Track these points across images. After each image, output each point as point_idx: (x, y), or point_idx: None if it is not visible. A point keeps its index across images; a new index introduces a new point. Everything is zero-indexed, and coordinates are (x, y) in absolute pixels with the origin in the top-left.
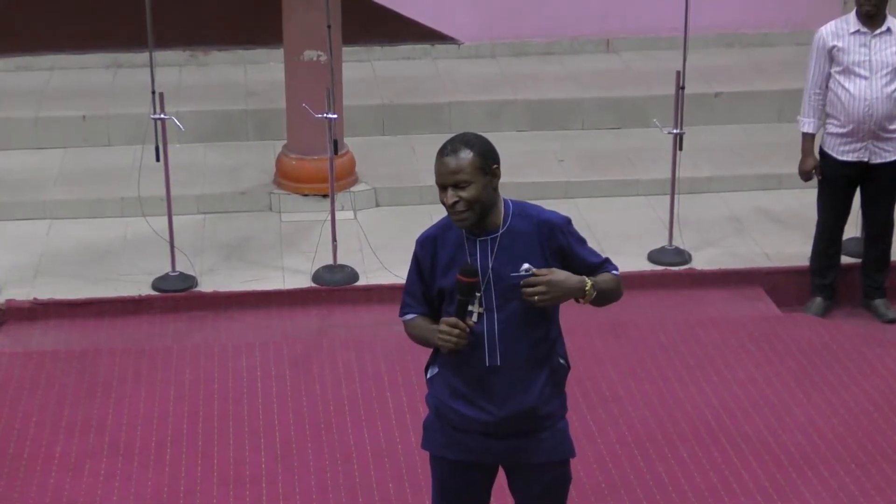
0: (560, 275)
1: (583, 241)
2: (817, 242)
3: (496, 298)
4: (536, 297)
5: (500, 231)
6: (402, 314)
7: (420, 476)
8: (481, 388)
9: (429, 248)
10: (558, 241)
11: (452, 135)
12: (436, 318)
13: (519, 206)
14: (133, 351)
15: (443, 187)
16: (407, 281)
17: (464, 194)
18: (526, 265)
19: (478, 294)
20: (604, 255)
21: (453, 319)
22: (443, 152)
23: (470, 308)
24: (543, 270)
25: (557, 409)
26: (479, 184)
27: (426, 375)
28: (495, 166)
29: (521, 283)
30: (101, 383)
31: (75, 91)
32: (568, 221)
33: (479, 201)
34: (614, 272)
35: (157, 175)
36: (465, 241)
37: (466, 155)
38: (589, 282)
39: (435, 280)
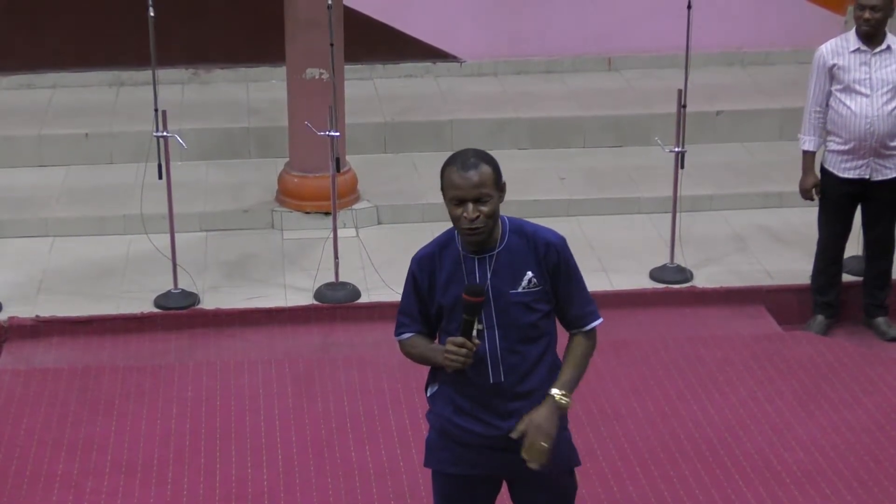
0: (538, 416)
1: (576, 272)
2: (818, 260)
3: (496, 315)
4: (543, 460)
5: (498, 249)
6: (398, 334)
7: (422, 493)
8: (485, 404)
9: (426, 267)
10: (554, 260)
11: (454, 151)
12: (433, 337)
13: (515, 223)
14: (135, 368)
15: (461, 202)
16: (402, 300)
17: (485, 209)
18: (529, 274)
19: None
20: (591, 306)
21: (460, 339)
22: (464, 166)
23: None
24: (521, 426)
25: (560, 418)
26: (495, 198)
27: (427, 393)
28: (504, 182)
29: (522, 453)
30: (104, 401)
31: (78, 109)
32: (564, 241)
33: (494, 216)
34: (592, 325)
35: (159, 193)
36: (463, 258)
37: (486, 169)
38: (558, 395)
39: (434, 298)
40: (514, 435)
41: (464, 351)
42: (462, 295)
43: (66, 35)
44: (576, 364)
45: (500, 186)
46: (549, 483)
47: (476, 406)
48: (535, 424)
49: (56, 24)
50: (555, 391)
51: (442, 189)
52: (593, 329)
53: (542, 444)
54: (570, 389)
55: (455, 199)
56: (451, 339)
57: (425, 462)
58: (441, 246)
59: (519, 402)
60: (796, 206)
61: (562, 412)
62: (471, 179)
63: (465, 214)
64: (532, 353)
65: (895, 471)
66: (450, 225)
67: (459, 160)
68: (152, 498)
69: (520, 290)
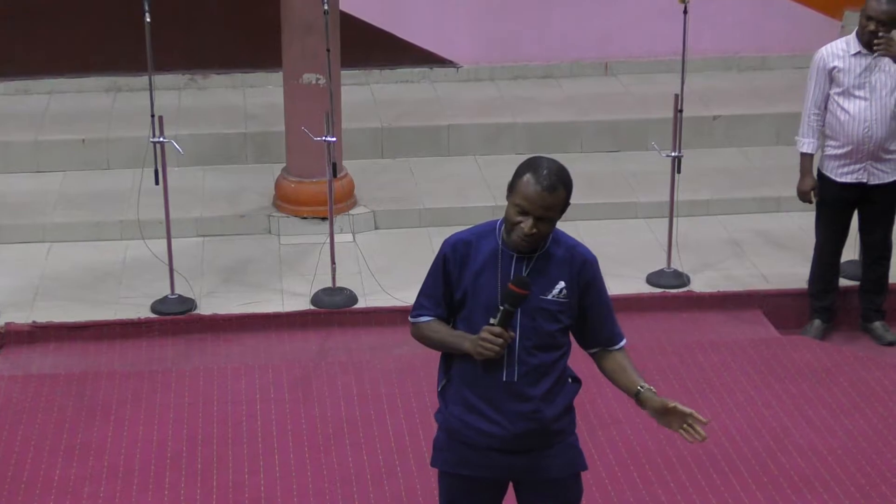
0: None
1: (606, 292)
2: (816, 265)
3: (520, 317)
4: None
5: (538, 253)
6: (415, 315)
7: (420, 498)
8: (494, 402)
9: (461, 252)
10: (587, 278)
11: (451, 156)
12: (449, 323)
13: (556, 233)
14: (132, 374)
15: (524, 212)
16: (426, 282)
17: (543, 229)
18: (561, 283)
19: (501, 308)
20: (619, 327)
21: (498, 329)
22: (541, 182)
23: (492, 321)
24: (671, 404)
25: (568, 424)
26: (555, 220)
27: (438, 388)
28: (569, 203)
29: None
30: (101, 406)
31: (75, 115)
32: (597, 261)
33: (549, 235)
34: (621, 344)
35: (156, 198)
36: (501, 253)
37: (561, 194)
38: (647, 385)
39: (461, 284)
40: (672, 404)
41: (500, 341)
42: (508, 285)
43: (63, 41)
44: (635, 367)
45: (564, 210)
46: (555, 487)
47: (486, 405)
48: (677, 404)
49: (52, 29)
50: (645, 385)
51: (511, 187)
52: (622, 348)
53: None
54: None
55: (520, 207)
56: (488, 327)
57: (432, 462)
58: (479, 235)
59: (526, 406)
60: (793, 210)
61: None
62: (544, 200)
63: (522, 225)
64: (546, 360)
65: (893, 476)
66: (447, 229)
67: (540, 172)
68: (149, 503)
69: (549, 297)
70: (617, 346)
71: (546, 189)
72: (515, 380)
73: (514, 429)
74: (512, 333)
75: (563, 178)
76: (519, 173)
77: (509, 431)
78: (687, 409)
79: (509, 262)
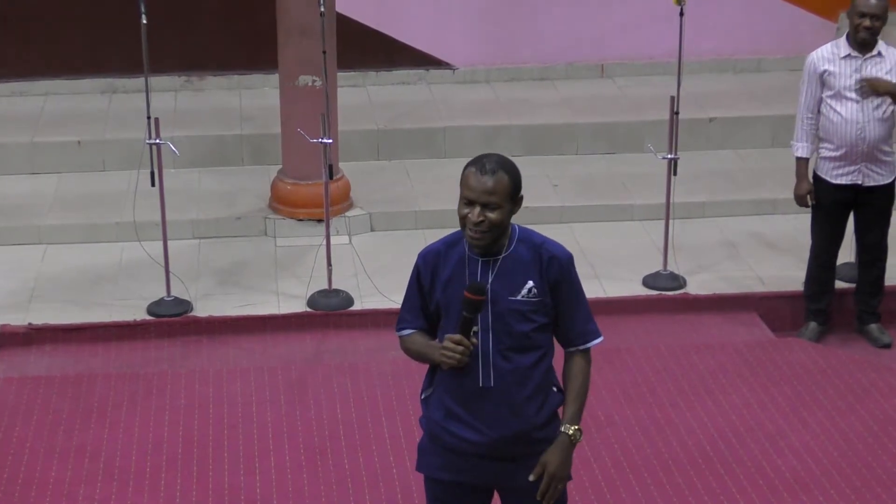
0: (553, 464)
1: (578, 290)
2: (811, 267)
3: (492, 319)
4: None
5: (503, 254)
6: (399, 329)
7: (415, 500)
8: (473, 408)
9: (431, 263)
10: (556, 275)
11: (447, 158)
12: (433, 334)
13: (525, 232)
14: (128, 376)
15: (470, 203)
16: (405, 295)
17: (491, 216)
18: (530, 283)
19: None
20: (591, 324)
21: (458, 336)
22: (481, 169)
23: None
24: (539, 470)
25: (552, 432)
26: (505, 209)
27: (421, 396)
28: (521, 196)
29: (538, 496)
30: (96, 408)
31: (71, 116)
32: (570, 258)
33: (500, 225)
34: (591, 344)
35: (152, 200)
36: (468, 259)
37: (503, 178)
38: (572, 430)
39: (434, 295)
40: (531, 478)
41: (460, 349)
42: (464, 292)
43: (59, 42)
44: (578, 394)
45: (514, 199)
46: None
47: (465, 411)
48: (550, 473)
49: (48, 31)
50: (567, 429)
51: (460, 187)
52: (590, 349)
53: (559, 488)
54: (578, 420)
55: (465, 199)
56: (448, 335)
57: (417, 466)
58: (448, 244)
59: (505, 411)
60: (789, 212)
61: (574, 446)
62: (485, 184)
63: (469, 216)
64: (523, 363)
65: (888, 478)
66: (443, 231)
67: (481, 163)
68: None
69: (519, 297)
70: (583, 346)
71: (486, 174)
72: (492, 384)
73: (493, 434)
74: (474, 340)
75: (504, 165)
76: (462, 171)
77: (489, 437)
78: (542, 488)
79: (476, 267)
